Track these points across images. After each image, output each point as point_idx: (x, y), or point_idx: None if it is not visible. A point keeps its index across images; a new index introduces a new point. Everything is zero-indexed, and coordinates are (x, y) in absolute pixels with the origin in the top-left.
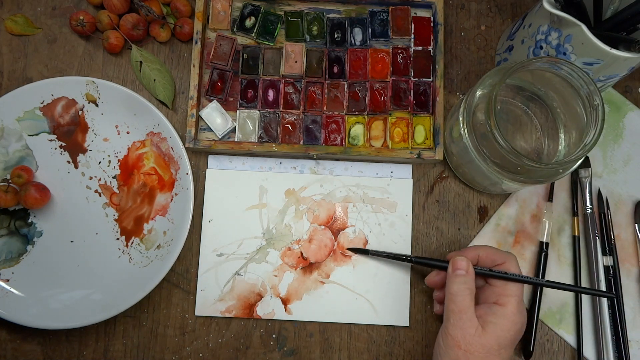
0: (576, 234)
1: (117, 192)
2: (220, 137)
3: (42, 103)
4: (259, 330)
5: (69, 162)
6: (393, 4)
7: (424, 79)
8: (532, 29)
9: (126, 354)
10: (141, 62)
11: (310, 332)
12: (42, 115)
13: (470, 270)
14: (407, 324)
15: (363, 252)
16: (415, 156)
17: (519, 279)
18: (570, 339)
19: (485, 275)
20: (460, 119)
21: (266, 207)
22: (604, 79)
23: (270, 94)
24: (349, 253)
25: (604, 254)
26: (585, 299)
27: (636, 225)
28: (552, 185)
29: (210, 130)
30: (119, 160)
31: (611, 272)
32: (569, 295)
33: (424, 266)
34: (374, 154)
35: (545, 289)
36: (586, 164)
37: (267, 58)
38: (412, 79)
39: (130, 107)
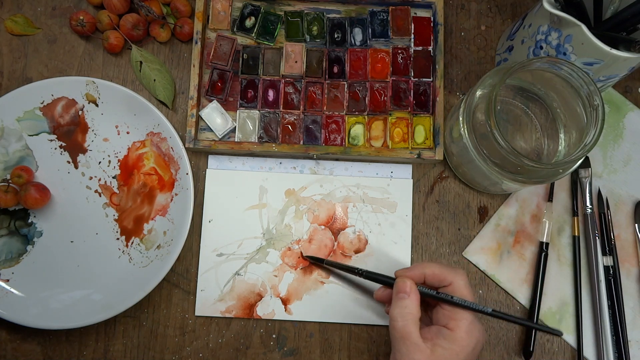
0: (576, 234)
1: (117, 192)
2: (220, 137)
3: (42, 103)
4: (259, 330)
5: (69, 162)
6: (393, 4)
7: (424, 79)
8: (532, 29)
9: (126, 354)
10: (141, 62)
11: (310, 332)
12: (42, 115)
13: (413, 292)
14: None
15: (318, 261)
16: (415, 156)
17: (461, 305)
18: (570, 339)
19: (430, 297)
20: (460, 119)
21: (266, 207)
22: (604, 79)
23: (270, 94)
24: (349, 253)
25: (604, 254)
26: (585, 298)
27: (636, 225)
28: (552, 185)
29: (210, 130)
30: (119, 160)
31: (611, 272)
32: (569, 295)
33: (373, 281)
34: (374, 154)
35: (546, 288)
36: (586, 164)
37: (267, 58)
38: (412, 79)
39: (130, 107)
